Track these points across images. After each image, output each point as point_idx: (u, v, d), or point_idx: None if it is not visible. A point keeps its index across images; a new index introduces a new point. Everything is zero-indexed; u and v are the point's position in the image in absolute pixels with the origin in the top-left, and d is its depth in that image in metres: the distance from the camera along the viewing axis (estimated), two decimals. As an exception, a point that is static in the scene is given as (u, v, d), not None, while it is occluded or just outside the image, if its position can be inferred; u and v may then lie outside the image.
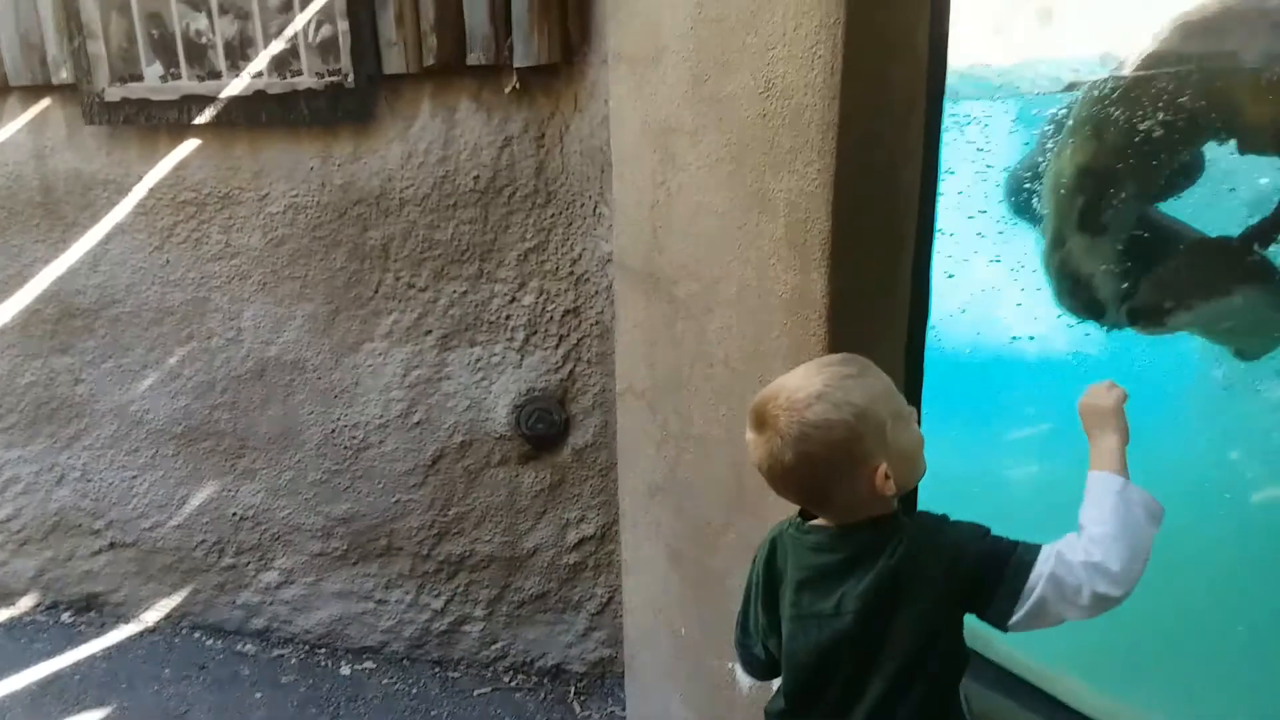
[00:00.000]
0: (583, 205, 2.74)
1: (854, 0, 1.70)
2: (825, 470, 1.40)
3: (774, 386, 1.46)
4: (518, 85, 2.70)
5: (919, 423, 1.55)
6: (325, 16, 2.69)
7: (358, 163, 2.80)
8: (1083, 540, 1.37)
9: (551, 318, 2.89)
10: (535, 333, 2.91)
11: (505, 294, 2.88)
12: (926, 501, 1.90)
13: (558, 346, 2.92)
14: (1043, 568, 1.36)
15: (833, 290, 1.88)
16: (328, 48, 2.72)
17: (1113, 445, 1.44)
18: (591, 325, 2.82)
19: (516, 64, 2.66)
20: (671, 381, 2.32)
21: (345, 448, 3.04)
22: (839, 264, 1.87)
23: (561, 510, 3.07)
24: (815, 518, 1.52)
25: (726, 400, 2.16)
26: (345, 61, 2.71)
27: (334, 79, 2.73)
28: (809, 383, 1.43)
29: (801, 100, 1.80)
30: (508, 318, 2.90)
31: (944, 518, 1.48)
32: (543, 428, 2.97)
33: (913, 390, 2.09)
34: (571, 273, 2.84)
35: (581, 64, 2.63)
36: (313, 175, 2.82)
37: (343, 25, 2.68)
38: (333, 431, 3.03)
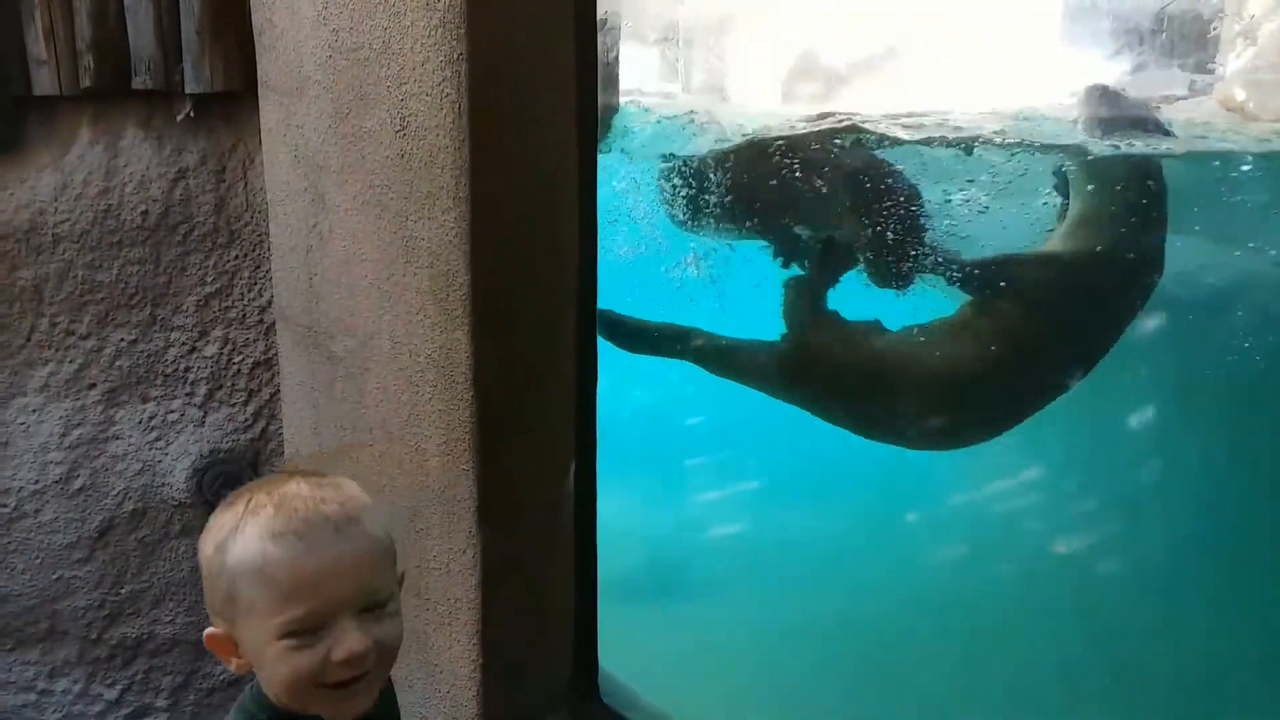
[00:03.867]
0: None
1: (478, 34, 1.54)
2: None
3: (278, 477, 1.30)
4: (191, 113, 2.43)
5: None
6: (-41, 28, 2.35)
7: (3, 193, 2.45)
8: None
9: (239, 370, 2.61)
10: (220, 387, 2.61)
11: (183, 343, 2.58)
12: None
13: (247, 403, 2.63)
14: None
15: (478, 350, 1.71)
16: (-37, 63, 2.37)
17: None
18: (282, 379, 2.55)
19: (188, 90, 2.39)
20: (336, 449, 2.09)
21: (-6, 518, 2.64)
22: (483, 321, 1.70)
23: (255, 584, 2.76)
24: None
25: (385, 471, 1.95)
26: (-16, 79, 2.37)
27: (-29, 98, 2.39)
28: (255, 493, 1.27)
29: (435, 142, 1.64)
30: (186, 370, 2.59)
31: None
32: (230, 494, 2.66)
33: (585, 460, 1.94)
34: (261, 320, 2.57)
35: (264, 93, 2.39)
36: (-51, 206, 2.45)
37: (-20, 38, 2.35)
38: (-22, 500, 2.63)
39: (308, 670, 1.15)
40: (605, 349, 1.95)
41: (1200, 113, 3.67)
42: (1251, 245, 3.90)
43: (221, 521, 1.21)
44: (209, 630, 1.22)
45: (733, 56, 4.62)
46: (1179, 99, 3.92)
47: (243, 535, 1.18)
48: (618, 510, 2.22)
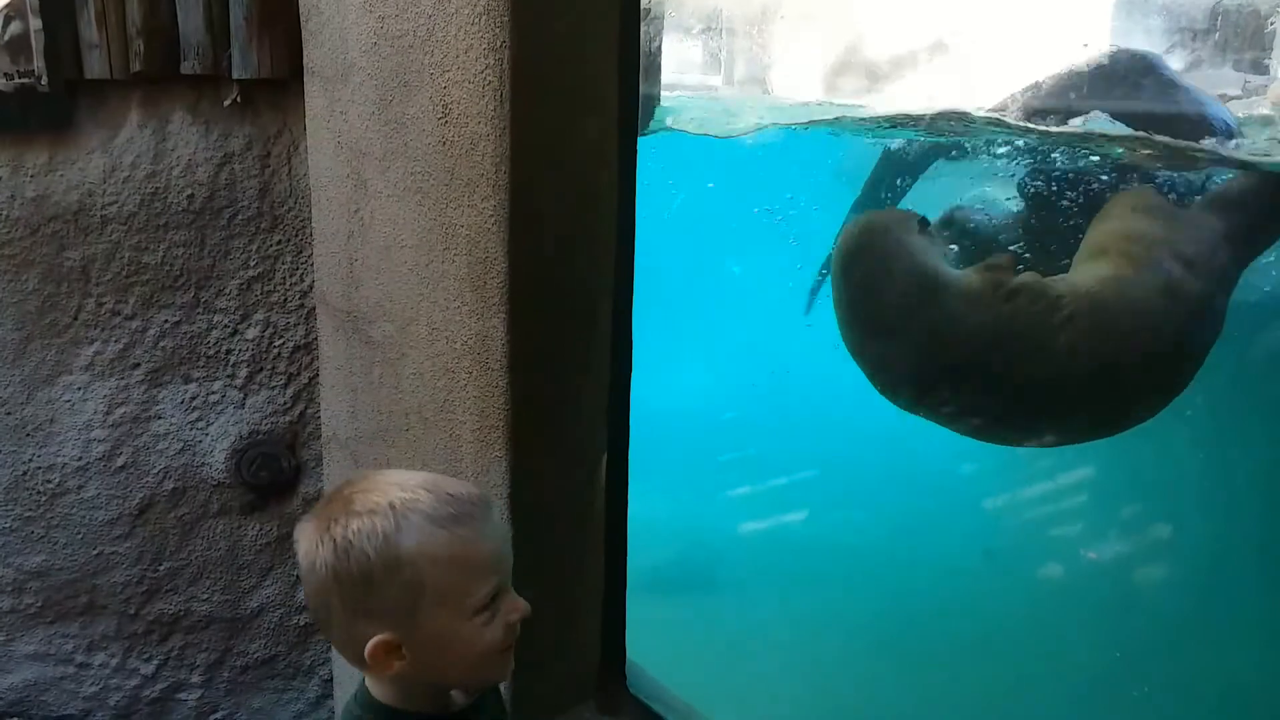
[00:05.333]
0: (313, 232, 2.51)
1: (520, 22, 1.54)
2: (323, 600, 1.19)
3: (370, 476, 1.24)
4: (239, 98, 2.46)
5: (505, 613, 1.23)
6: (15, 12, 2.39)
7: (53, 174, 2.49)
8: None
9: (279, 354, 2.64)
10: (260, 370, 2.65)
11: (226, 326, 2.61)
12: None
13: (287, 385, 2.66)
14: None
15: (514, 338, 1.71)
16: (18, 46, 2.41)
17: None
18: (322, 363, 2.57)
19: (235, 76, 2.42)
20: (372, 432, 2.11)
21: (39, 492, 2.70)
22: (520, 309, 1.70)
23: (291, 566, 2.79)
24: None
25: (420, 455, 1.96)
26: (38, 62, 2.41)
27: (25, 81, 2.43)
28: (388, 491, 1.19)
29: (476, 129, 1.64)
30: (228, 352, 2.63)
31: None
32: (267, 475, 2.70)
33: (617, 451, 1.94)
34: (302, 305, 2.60)
35: (309, 79, 2.41)
36: (1, 187, 2.50)
37: (35, 23, 2.38)
38: (24, 474, 2.68)
39: (500, 638, 1.21)
40: (638, 340, 1.95)
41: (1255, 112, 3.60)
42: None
43: (362, 529, 1.15)
44: (378, 639, 1.15)
45: (777, 47, 4.59)
46: (1232, 98, 3.84)
47: (412, 528, 1.15)
48: (648, 503, 2.23)
